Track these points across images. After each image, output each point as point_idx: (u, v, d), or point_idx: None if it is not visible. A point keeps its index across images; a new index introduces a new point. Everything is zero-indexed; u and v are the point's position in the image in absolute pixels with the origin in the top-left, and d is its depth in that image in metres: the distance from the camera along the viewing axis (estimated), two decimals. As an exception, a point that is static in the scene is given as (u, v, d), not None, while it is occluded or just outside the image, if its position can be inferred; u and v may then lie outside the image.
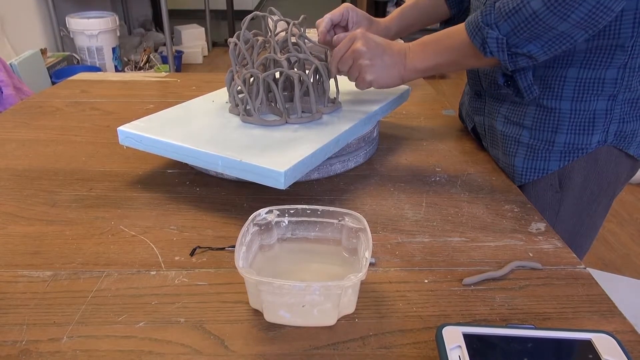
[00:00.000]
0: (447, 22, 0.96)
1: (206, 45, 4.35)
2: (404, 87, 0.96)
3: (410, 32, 0.96)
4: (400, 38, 0.98)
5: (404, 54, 0.76)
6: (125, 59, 3.51)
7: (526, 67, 0.71)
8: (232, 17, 4.53)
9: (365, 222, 0.54)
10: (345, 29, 0.90)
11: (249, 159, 0.66)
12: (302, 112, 0.80)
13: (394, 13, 0.96)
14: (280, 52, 0.80)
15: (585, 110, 0.72)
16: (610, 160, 0.75)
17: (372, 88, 0.78)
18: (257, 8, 5.99)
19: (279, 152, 0.68)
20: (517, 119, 0.78)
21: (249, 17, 0.81)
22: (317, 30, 0.89)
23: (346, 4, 0.89)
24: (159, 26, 4.38)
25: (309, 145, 0.70)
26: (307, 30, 0.84)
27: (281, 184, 0.64)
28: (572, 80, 0.72)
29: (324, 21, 0.88)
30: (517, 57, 0.68)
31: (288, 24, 0.81)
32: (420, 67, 0.75)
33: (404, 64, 0.75)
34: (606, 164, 0.76)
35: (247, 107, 0.79)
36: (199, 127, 0.77)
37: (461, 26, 0.72)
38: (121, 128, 0.75)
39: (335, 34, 0.87)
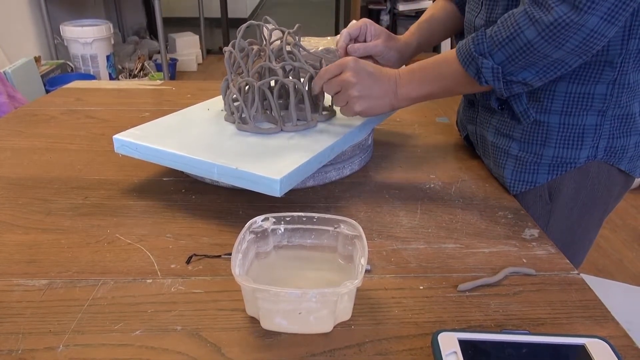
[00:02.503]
0: (462, 35, 0.94)
1: (200, 53, 4.35)
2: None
3: (430, 45, 0.96)
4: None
5: (395, 82, 0.75)
6: (120, 67, 3.51)
7: (520, 92, 0.71)
8: (227, 25, 4.55)
9: (361, 229, 0.54)
10: (364, 42, 0.88)
11: (245, 167, 0.66)
12: (297, 120, 0.80)
13: (411, 28, 0.95)
14: (275, 60, 0.80)
15: (574, 125, 0.72)
16: (601, 174, 0.75)
17: None
18: (251, 16, 6.01)
19: (274, 160, 0.68)
20: (507, 131, 0.78)
21: (244, 25, 0.82)
22: (337, 45, 0.88)
23: (364, 19, 0.89)
24: (153, 34, 4.39)
25: (304, 153, 0.70)
26: (301, 39, 0.85)
27: (277, 192, 0.64)
28: (561, 94, 0.72)
29: (342, 36, 0.87)
30: (512, 84, 0.68)
31: (283, 32, 0.81)
32: (413, 95, 0.75)
33: (395, 93, 0.75)
34: (597, 178, 0.75)
35: (243, 115, 0.80)
36: (195, 135, 0.77)
37: (452, 54, 0.71)
38: (116, 136, 0.76)
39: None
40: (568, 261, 0.63)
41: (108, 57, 3.22)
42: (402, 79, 0.75)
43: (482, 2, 0.77)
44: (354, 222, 0.56)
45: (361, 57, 0.85)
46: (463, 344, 0.44)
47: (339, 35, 0.89)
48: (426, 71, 0.74)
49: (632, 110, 0.73)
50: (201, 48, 4.38)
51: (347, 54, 0.87)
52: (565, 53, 0.62)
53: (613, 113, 0.72)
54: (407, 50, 0.92)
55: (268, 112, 0.82)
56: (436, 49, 4.19)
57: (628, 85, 0.70)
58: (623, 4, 0.57)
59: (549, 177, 0.76)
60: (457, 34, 0.96)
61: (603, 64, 0.68)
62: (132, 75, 3.43)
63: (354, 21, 0.90)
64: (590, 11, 0.57)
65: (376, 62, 0.88)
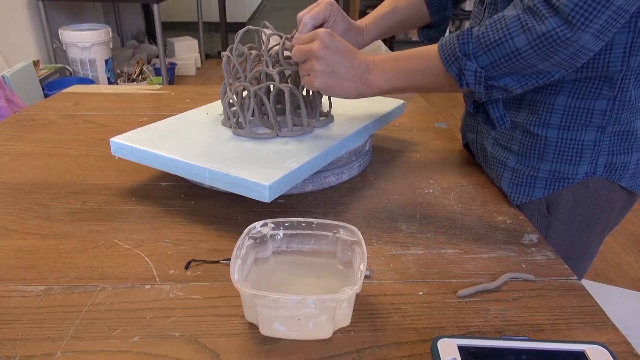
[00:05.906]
0: (427, 27, 0.92)
1: (199, 57, 4.36)
2: (399, 101, 0.97)
3: (386, 36, 0.90)
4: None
5: (366, 69, 0.70)
6: (118, 71, 3.51)
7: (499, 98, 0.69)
8: (225, 29, 4.55)
9: (360, 235, 0.54)
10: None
11: (235, 172, 0.66)
12: (294, 125, 0.80)
13: (369, 17, 0.88)
14: (273, 65, 0.80)
15: (572, 140, 0.71)
16: (601, 190, 0.74)
17: (366, 101, 0.78)
18: (250, 20, 6.03)
19: (265, 166, 0.68)
20: (505, 143, 0.77)
21: (242, 31, 0.82)
22: (298, 27, 0.79)
23: (331, 2, 0.79)
24: (152, 38, 4.39)
25: (296, 158, 0.70)
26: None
27: (266, 197, 0.64)
28: (560, 108, 0.70)
29: (306, 26, 0.77)
30: (492, 90, 0.66)
31: (280, 37, 0.81)
32: (385, 87, 0.71)
33: (364, 80, 0.70)
34: (597, 193, 0.74)
35: (239, 120, 0.80)
36: (191, 139, 0.77)
37: (434, 50, 0.68)
38: (113, 139, 0.76)
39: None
40: (567, 267, 0.63)
41: (107, 62, 3.23)
42: (376, 67, 0.70)
43: (484, 9, 0.76)
44: (353, 227, 0.56)
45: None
46: (463, 350, 0.44)
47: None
48: (403, 63, 0.70)
49: (634, 127, 0.71)
50: (200, 52, 4.39)
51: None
52: (551, 65, 0.61)
53: (613, 129, 0.70)
54: (361, 39, 0.85)
55: (265, 117, 0.82)
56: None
57: (629, 102, 0.69)
58: (614, 20, 0.57)
59: (545, 192, 0.74)
60: (421, 28, 0.93)
61: (602, 79, 0.67)
62: (130, 80, 3.43)
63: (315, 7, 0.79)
64: (584, 28, 0.56)
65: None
